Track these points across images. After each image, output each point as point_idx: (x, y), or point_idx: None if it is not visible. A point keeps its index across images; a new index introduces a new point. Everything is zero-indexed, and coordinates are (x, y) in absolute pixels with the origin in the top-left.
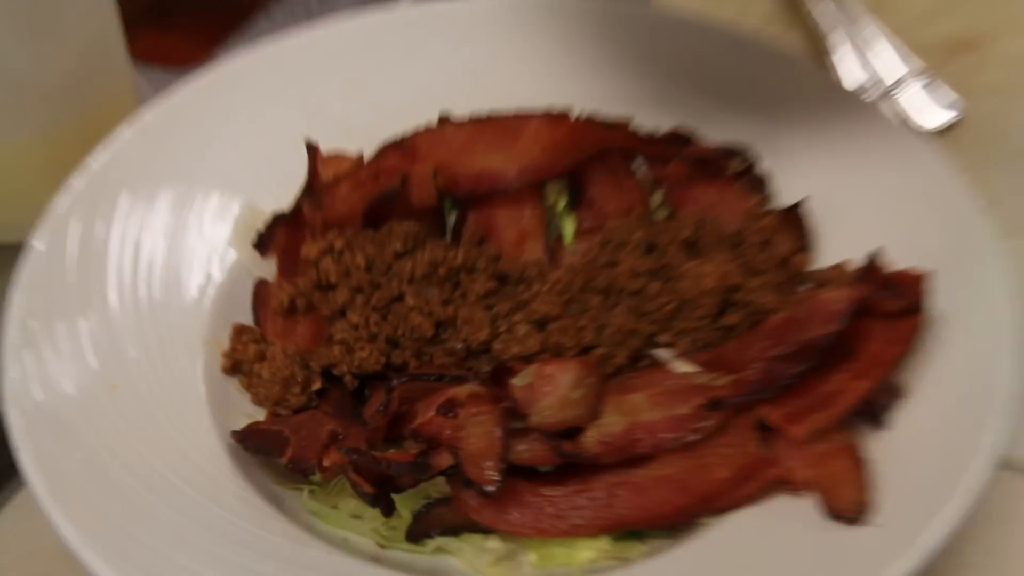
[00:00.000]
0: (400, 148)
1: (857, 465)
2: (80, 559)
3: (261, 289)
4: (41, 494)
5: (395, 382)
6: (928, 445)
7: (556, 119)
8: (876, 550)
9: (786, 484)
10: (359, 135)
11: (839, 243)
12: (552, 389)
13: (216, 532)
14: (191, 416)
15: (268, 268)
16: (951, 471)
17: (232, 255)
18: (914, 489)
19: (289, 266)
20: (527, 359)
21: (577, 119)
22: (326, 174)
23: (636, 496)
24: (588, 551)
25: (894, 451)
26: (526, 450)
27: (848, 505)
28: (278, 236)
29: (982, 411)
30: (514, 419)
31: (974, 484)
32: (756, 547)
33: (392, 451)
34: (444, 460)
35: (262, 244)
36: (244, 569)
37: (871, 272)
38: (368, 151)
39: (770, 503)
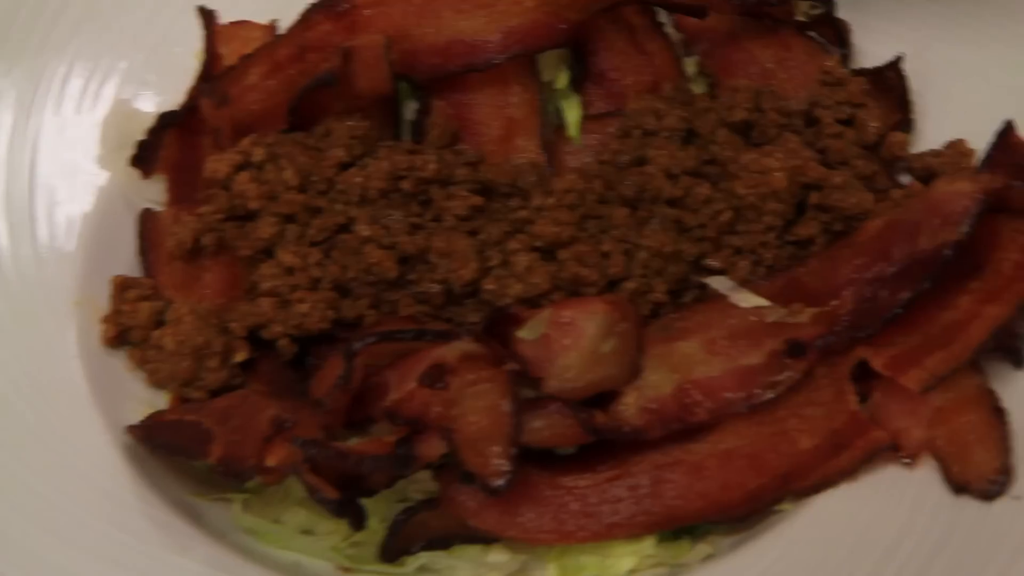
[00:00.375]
0: (334, 12)
1: (993, 420)
2: None
3: (149, 224)
4: None
5: (357, 345)
6: None
7: None
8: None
9: (894, 451)
10: None
11: (950, 117)
12: (573, 342)
13: (117, 566)
14: (67, 408)
15: (155, 192)
16: None
17: (102, 176)
18: None
19: (185, 189)
20: (534, 302)
21: None
22: (229, 54)
23: (692, 480)
24: (628, 558)
25: None
26: (544, 427)
27: (982, 473)
28: (167, 146)
29: None
30: (525, 386)
31: None
32: (855, 541)
33: (358, 440)
34: (434, 448)
35: (144, 159)
36: None
37: (1004, 151)
38: (285, 17)
39: (873, 478)
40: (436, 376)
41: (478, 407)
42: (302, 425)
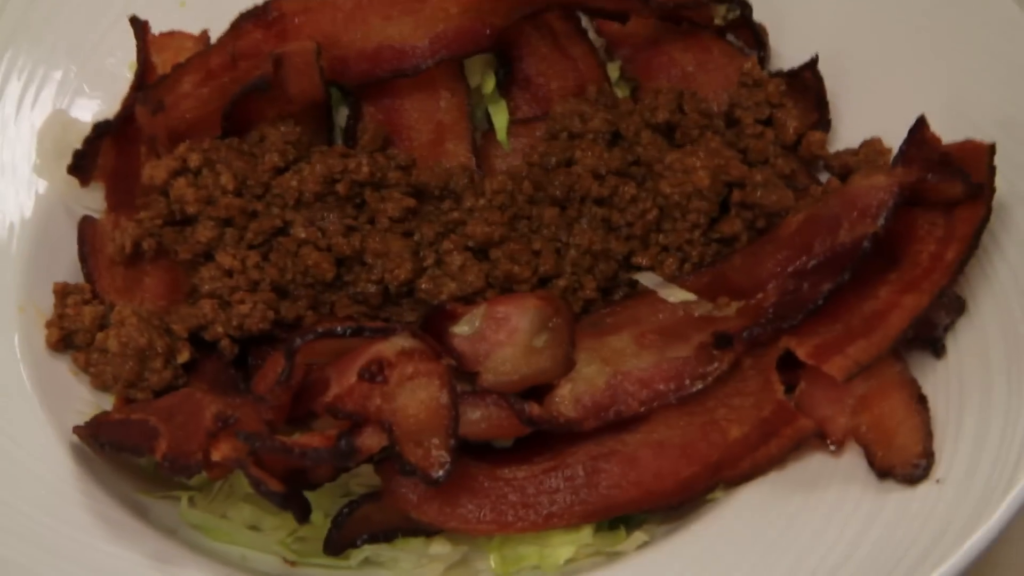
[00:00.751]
0: (264, 20)
1: (914, 406)
2: None
3: (88, 230)
4: None
5: (298, 341)
6: (1002, 374)
7: None
8: (947, 515)
9: (820, 439)
10: (198, 6)
11: (866, 116)
12: (507, 336)
13: (66, 560)
14: (14, 409)
15: (93, 200)
16: None
17: (40, 183)
18: (987, 433)
19: (123, 196)
20: (468, 300)
21: None
22: (162, 63)
23: (626, 470)
24: (566, 547)
25: (960, 385)
26: (482, 419)
27: (905, 458)
28: (104, 155)
29: None
30: (462, 381)
31: None
32: (784, 527)
33: (300, 435)
34: (375, 441)
35: (82, 167)
36: None
37: (918, 146)
38: (215, 27)
39: (800, 465)
40: (375, 371)
41: (417, 400)
42: (245, 420)
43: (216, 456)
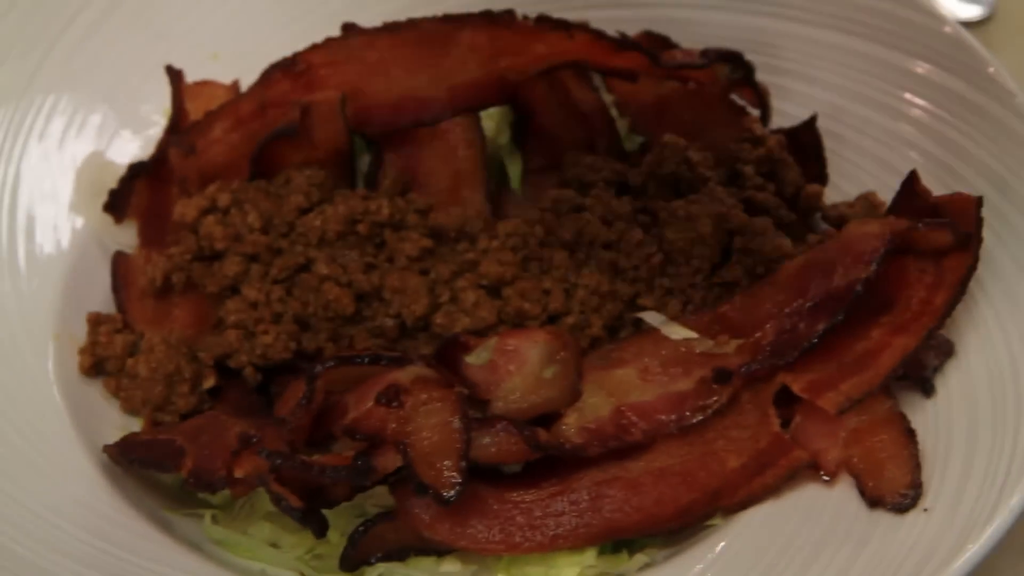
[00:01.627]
0: (292, 71)
1: (903, 440)
2: None
3: (121, 264)
4: None
5: (319, 368)
6: (987, 413)
7: (495, 23)
8: (932, 542)
9: (814, 469)
10: (230, 58)
11: (861, 171)
12: (517, 367)
13: (97, 570)
14: (48, 430)
15: (126, 236)
16: (1017, 444)
17: (77, 221)
18: (972, 466)
19: (155, 232)
20: (481, 333)
21: (523, 22)
22: (195, 110)
23: (629, 495)
24: (570, 568)
25: (946, 422)
26: (492, 444)
27: (895, 488)
28: (138, 194)
29: None
30: (473, 408)
31: None
32: (779, 551)
33: (319, 455)
34: (390, 461)
35: (116, 206)
36: None
37: (910, 198)
38: (246, 78)
39: (794, 495)
40: (392, 395)
41: (431, 424)
42: (268, 440)
43: (239, 473)
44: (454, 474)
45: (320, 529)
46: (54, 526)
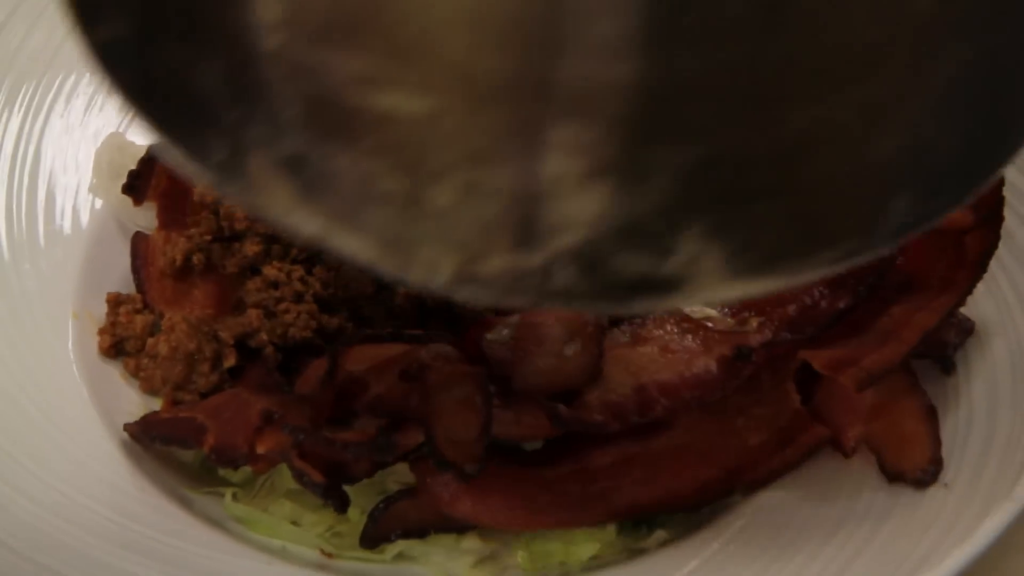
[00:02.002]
0: None
1: (924, 416)
2: None
3: (141, 245)
4: None
5: (342, 344)
6: (1007, 390)
7: None
8: (952, 516)
9: (835, 446)
10: None
11: None
12: (539, 345)
13: (120, 546)
14: (69, 408)
15: (145, 217)
16: None
17: (96, 201)
18: (992, 442)
19: (174, 214)
20: (502, 313)
21: None
22: None
23: (649, 472)
24: (590, 544)
25: (968, 399)
26: (513, 420)
27: (915, 464)
28: (158, 176)
29: None
30: (495, 384)
31: None
32: (800, 527)
33: (342, 432)
34: (413, 437)
35: (136, 187)
36: None
37: None
38: None
39: (815, 471)
40: (414, 372)
41: (452, 400)
42: (290, 416)
43: (261, 448)
44: (476, 450)
45: (341, 505)
46: (77, 503)
